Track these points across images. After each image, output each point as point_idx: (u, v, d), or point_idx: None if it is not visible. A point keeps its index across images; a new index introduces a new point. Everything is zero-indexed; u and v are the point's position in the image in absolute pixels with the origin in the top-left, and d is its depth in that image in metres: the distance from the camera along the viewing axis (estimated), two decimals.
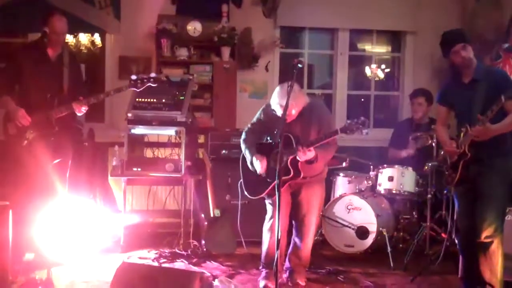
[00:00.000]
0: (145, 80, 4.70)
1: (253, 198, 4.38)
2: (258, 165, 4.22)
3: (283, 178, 3.91)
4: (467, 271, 4.15)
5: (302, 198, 4.30)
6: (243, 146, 4.38)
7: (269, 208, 4.39)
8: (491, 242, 3.85)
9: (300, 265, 4.42)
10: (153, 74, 4.83)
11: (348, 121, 3.94)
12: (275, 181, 3.90)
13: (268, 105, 4.29)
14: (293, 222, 4.38)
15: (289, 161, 4.07)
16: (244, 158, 4.41)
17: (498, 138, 3.83)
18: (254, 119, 4.46)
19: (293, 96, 3.82)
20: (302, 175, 4.13)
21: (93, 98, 4.66)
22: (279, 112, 4.09)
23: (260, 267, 4.47)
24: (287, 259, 4.45)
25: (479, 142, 3.82)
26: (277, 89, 4.18)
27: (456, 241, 4.52)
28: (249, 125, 4.48)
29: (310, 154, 4.00)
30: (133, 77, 4.76)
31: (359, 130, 3.88)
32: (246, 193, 4.43)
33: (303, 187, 4.29)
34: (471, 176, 3.94)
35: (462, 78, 4.03)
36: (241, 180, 4.49)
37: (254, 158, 4.25)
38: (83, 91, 4.78)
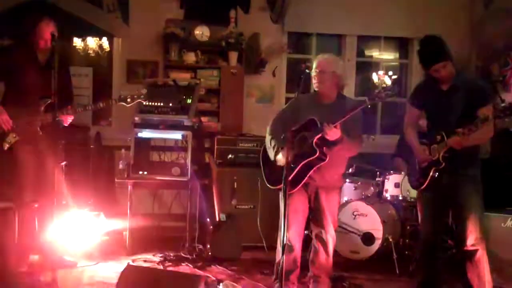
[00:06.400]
0: (135, 97, 4.63)
1: (274, 188, 4.17)
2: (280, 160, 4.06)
3: (309, 159, 3.90)
4: (426, 277, 4.18)
5: (322, 203, 4.11)
6: (268, 137, 4.22)
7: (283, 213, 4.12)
8: (477, 250, 3.91)
9: (324, 273, 4.24)
10: (144, 90, 4.73)
11: (376, 91, 3.88)
12: (299, 166, 3.94)
13: (298, 97, 4.22)
14: (313, 228, 4.24)
15: (314, 141, 3.92)
16: (265, 148, 4.27)
17: (471, 149, 3.86)
18: (284, 108, 4.40)
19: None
20: (327, 159, 3.94)
21: (81, 109, 4.55)
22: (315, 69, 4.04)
23: (273, 279, 4.30)
24: (310, 268, 4.28)
25: (454, 152, 3.83)
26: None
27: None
28: (277, 114, 4.34)
29: (337, 131, 3.84)
30: (122, 93, 4.70)
31: (387, 96, 3.83)
32: (267, 184, 4.26)
33: (322, 192, 4.12)
34: (443, 185, 3.95)
35: (440, 85, 3.97)
36: (262, 170, 4.32)
37: (279, 154, 4.09)
38: (70, 97, 4.67)
